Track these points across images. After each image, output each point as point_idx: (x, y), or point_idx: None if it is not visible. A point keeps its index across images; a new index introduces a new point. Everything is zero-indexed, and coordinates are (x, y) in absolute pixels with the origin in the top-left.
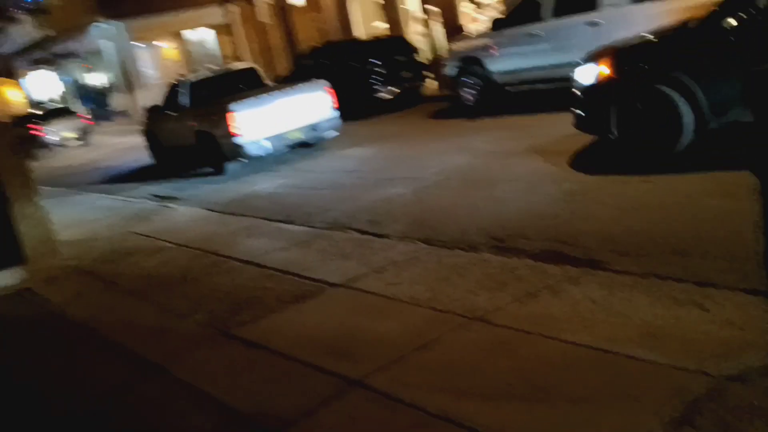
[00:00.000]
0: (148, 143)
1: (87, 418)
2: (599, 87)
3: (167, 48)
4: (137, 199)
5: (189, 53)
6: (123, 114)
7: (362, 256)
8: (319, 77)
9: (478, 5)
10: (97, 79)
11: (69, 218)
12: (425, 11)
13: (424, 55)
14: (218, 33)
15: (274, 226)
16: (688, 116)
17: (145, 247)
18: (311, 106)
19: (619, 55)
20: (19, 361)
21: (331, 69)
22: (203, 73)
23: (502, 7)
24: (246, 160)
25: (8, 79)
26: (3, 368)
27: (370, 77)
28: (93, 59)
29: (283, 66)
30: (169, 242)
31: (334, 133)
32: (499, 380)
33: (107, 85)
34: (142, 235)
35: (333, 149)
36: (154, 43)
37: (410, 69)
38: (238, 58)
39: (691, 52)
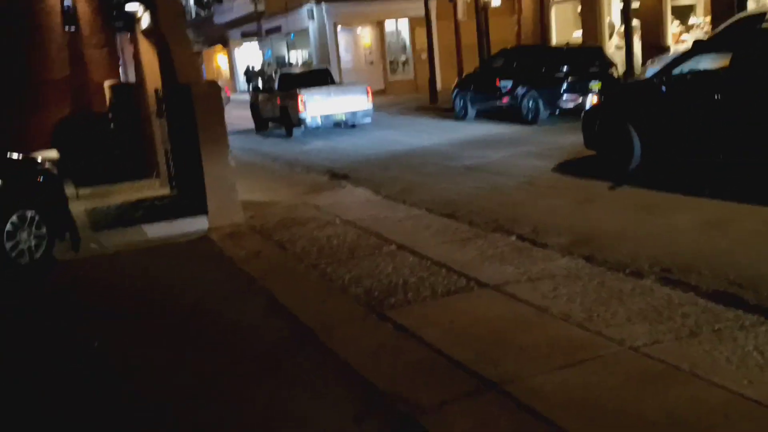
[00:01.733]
0: (252, 113)
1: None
2: None
3: (364, 34)
4: (299, 171)
5: (382, 41)
6: None
7: (520, 264)
8: (505, 79)
9: (687, 26)
10: (295, 55)
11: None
12: (626, 25)
13: (620, 70)
14: (412, 25)
15: (439, 221)
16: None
17: (317, 218)
18: (354, 100)
19: None
20: (190, 305)
21: (519, 72)
22: (292, 69)
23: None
24: (305, 128)
25: (221, 47)
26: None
27: (559, 84)
28: (297, 37)
29: (471, 64)
30: (339, 217)
31: (368, 120)
32: (643, 416)
33: (303, 62)
34: (315, 206)
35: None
36: (354, 28)
37: (602, 81)
38: (427, 52)
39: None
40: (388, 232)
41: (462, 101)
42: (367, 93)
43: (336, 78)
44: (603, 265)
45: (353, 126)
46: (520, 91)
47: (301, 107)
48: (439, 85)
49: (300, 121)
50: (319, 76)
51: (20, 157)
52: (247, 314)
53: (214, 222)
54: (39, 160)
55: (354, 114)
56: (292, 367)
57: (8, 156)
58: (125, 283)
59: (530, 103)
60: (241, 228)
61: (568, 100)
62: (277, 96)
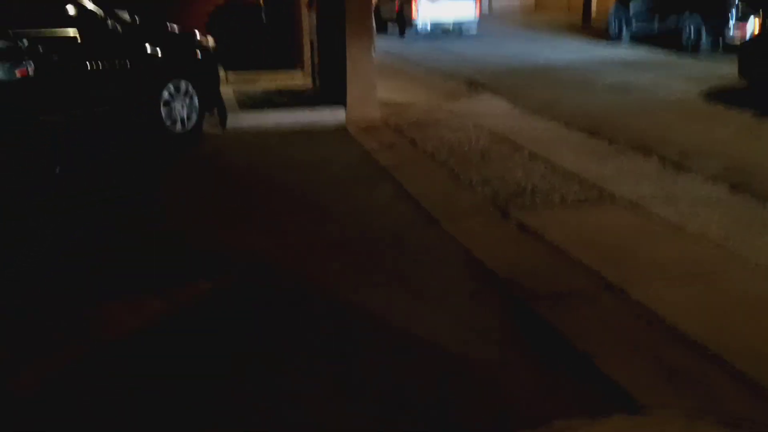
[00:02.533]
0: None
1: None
2: None
3: None
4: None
5: None
6: None
7: (660, 183)
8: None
9: None
10: None
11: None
12: None
13: None
14: None
15: (578, 135)
16: None
17: (451, 122)
18: (462, 10)
19: None
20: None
21: None
22: None
23: None
24: (416, 32)
25: None
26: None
27: (726, 12)
28: None
29: None
30: (473, 123)
31: (473, 31)
32: None
33: None
34: (450, 111)
35: None
36: None
37: None
38: None
39: None
40: (522, 140)
41: (618, 22)
42: (475, 3)
43: None
44: (749, 195)
45: (460, 34)
46: (682, 15)
47: (413, 13)
48: (593, 8)
49: (413, 25)
50: None
51: (180, 31)
52: (376, 197)
53: (352, 115)
54: (198, 37)
55: (460, 24)
56: (415, 245)
57: (169, 28)
58: (266, 158)
59: (692, 30)
60: (377, 123)
61: (735, 32)
62: (395, 2)
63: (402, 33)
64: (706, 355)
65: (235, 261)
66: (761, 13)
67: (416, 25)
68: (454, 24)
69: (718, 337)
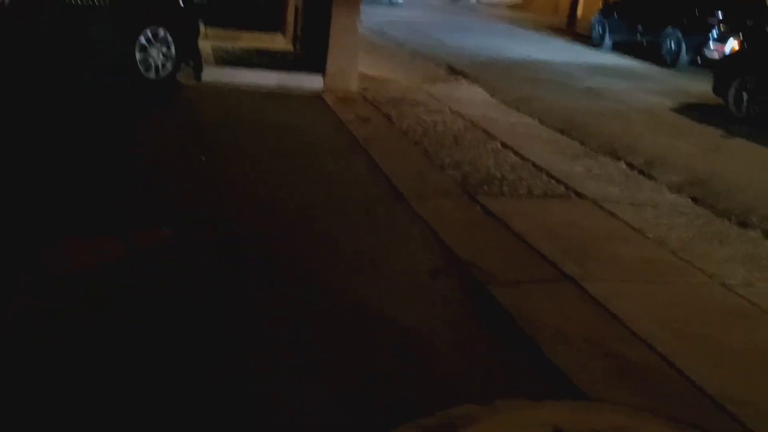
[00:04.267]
0: None
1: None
2: None
3: None
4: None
5: None
6: None
7: (626, 188)
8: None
9: None
10: None
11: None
12: None
13: None
14: None
15: (550, 133)
16: None
17: (428, 104)
18: None
19: None
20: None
21: (668, 10)
22: None
23: None
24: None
25: None
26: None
27: (708, 30)
28: None
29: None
30: (450, 107)
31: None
32: (728, 346)
33: None
34: (428, 93)
35: None
36: None
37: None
38: None
39: None
40: (496, 131)
41: (601, 28)
42: None
43: None
44: (710, 209)
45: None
46: (663, 30)
47: None
48: (579, 12)
49: None
50: None
51: None
52: (347, 169)
53: (331, 84)
54: None
55: None
56: (381, 221)
57: None
58: (240, 116)
59: (673, 44)
60: (354, 95)
61: (714, 49)
62: None
63: None
64: (656, 355)
65: (199, 219)
66: (741, 35)
67: None
68: None
69: (670, 339)
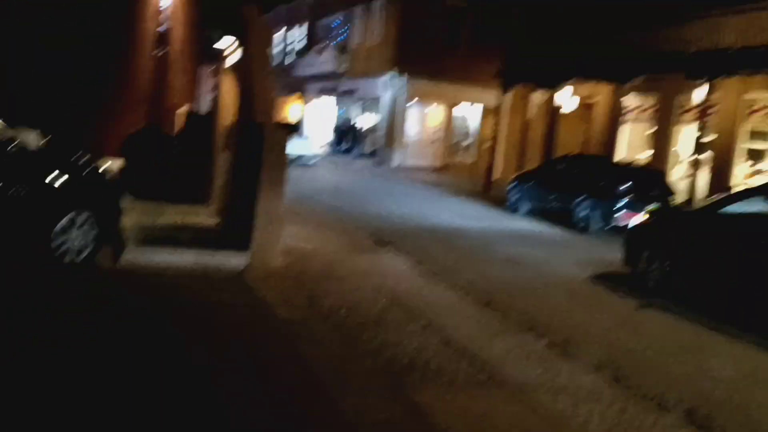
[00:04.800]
0: None
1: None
2: None
3: (434, 112)
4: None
5: (449, 122)
6: (370, 155)
7: (545, 371)
8: (565, 183)
9: (758, 170)
10: (364, 119)
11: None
12: (697, 155)
13: (680, 199)
14: (485, 113)
15: (473, 308)
16: None
17: (352, 279)
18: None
19: None
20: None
21: (579, 180)
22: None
23: None
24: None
25: (296, 98)
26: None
27: (617, 200)
28: (368, 104)
29: (534, 160)
30: (374, 285)
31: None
32: None
33: (368, 128)
34: (353, 266)
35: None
36: (426, 104)
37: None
38: (491, 141)
39: None
40: (421, 306)
41: (517, 195)
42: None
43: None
44: (628, 391)
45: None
46: (576, 198)
47: None
48: (494, 176)
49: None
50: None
51: (86, 161)
52: (265, 358)
53: (255, 261)
54: (103, 168)
55: (302, 157)
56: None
57: (74, 158)
58: (153, 304)
59: (585, 212)
60: (278, 271)
61: (623, 218)
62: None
63: None
64: None
65: None
66: (657, 206)
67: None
68: (297, 158)
69: None
